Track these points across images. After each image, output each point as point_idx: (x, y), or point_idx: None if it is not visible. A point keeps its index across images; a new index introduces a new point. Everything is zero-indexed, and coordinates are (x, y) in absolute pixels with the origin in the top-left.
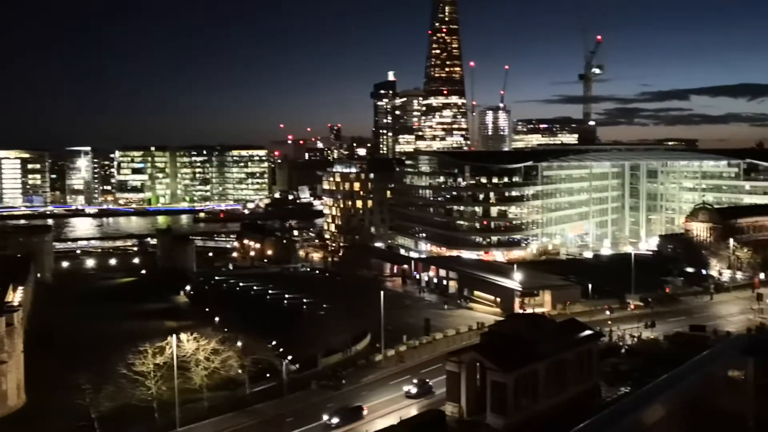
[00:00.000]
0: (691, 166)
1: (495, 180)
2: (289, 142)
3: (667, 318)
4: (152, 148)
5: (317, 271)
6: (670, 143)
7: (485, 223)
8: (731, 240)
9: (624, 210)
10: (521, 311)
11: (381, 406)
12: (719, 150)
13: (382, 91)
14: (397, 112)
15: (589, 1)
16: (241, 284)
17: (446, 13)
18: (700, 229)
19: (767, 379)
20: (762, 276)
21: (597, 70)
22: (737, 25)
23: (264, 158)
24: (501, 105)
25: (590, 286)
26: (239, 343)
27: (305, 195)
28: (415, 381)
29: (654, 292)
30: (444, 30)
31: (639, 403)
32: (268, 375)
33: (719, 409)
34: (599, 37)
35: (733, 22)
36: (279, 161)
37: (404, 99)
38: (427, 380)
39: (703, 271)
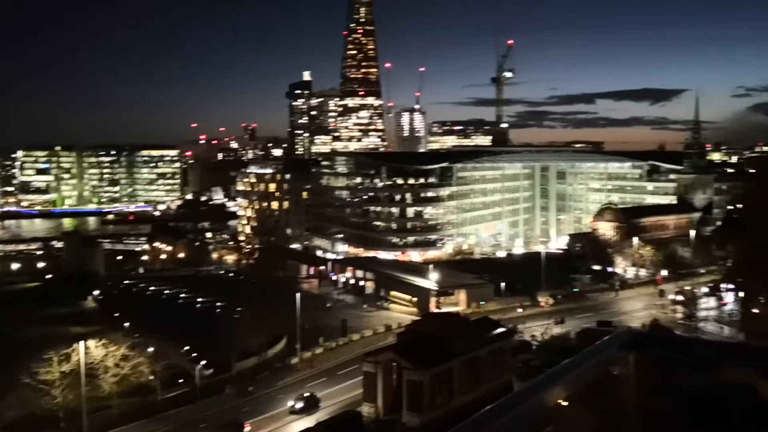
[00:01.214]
0: (597, 168)
1: (411, 181)
2: (202, 142)
3: (576, 314)
4: (57, 148)
5: (231, 274)
6: (577, 145)
7: (402, 224)
8: (635, 238)
9: (535, 210)
10: (437, 310)
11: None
12: (624, 152)
13: (298, 91)
14: (314, 113)
15: (501, 7)
16: (152, 288)
17: (362, 14)
18: (606, 228)
19: (646, 373)
20: (664, 273)
21: (509, 74)
22: (640, 33)
23: (175, 158)
24: (417, 106)
25: (503, 284)
26: (150, 349)
27: (219, 196)
28: (302, 394)
29: (563, 289)
30: (360, 31)
31: (534, 390)
32: (180, 380)
33: (604, 400)
34: (511, 41)
35: (636, 29)
36: (191, 162)
37: (320, 99)
38: (314, 393)
39: (609, 269)
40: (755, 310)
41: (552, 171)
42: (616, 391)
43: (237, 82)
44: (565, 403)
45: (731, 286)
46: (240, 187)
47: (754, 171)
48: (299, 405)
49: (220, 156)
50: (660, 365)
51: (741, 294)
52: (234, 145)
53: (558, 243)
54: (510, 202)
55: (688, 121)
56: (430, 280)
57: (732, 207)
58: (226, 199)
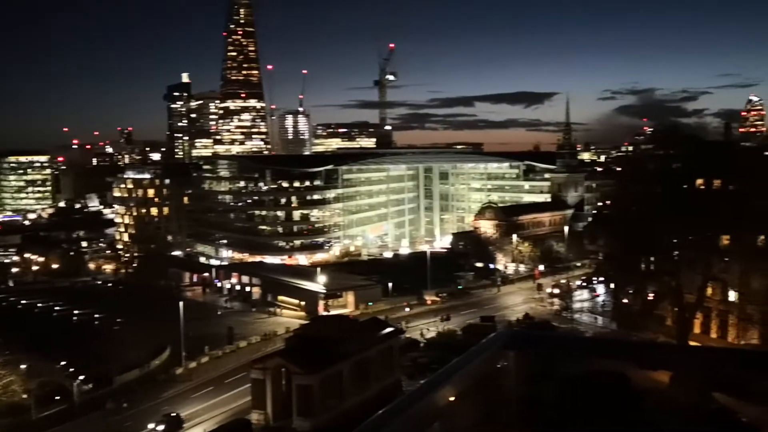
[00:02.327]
0: (478, 168)
1: (297, 184)
2: (75, 146)
3: (461, 311)
4: None
5: (110, 284)
6: (458, 147)
7: (288, 227)
8: (514, 235)
9: (420, 210)
10: (325, 313)
11: None
12: (502, 153)
13: (176, 94)
14: (193, 115)
15: (382, 11)
16: (23, 301)
17: (242, 15)
18: (487, 227)
19: (526, 367)
20: (541, 268)
21: (391, 77)
22: (514, 38)
23: (46, 164)
24: (300, 109)
25: (390, 284)
26: (23, 366)
27: (94, 203)
28: (164, 414)
29: (449, 287)
30: (240, 32)
31: (425, 390)
32: (57, 397)
33: (488, 395)
34: (392, 45)
35: (511, 35)
36: (63, 168)
37: (200, 102)
38: (177, 413)
39: (491, 265)
40: (624, 301)
41: (435, 172)
42: (500, 386)
43: (111, 84)
44: (452, 399)
45: (602, 278)
46: (117, 193)
47: (620, 169)
48: (160, 428)
49: (94, 161)
50: (538, 359)
51: (611, 285)
52: (109, 149)
53: (442, 242)
54: (395, 203)
55: (560, 122)
56: (318, 284)
57: (601, 203)
58: (102, 207)
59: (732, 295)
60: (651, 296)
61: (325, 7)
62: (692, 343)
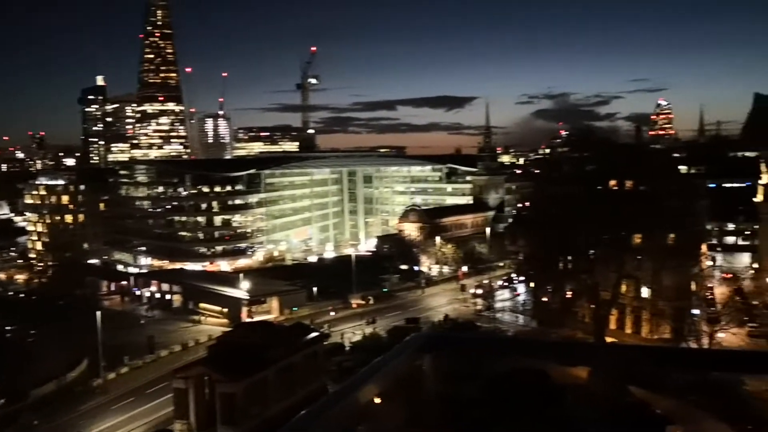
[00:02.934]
0: (401, 171)
1: (218, 189)
2: None
3: (386, 313)
4: None
5: (23, 294)
6: (382, 150)
7: (209, 233)
8: (438, 237)
9: (344, 214)
10: (249, 320)
11: None
12: (425, 156)
13: (91, 97)
14: (109, 119)
15: (304, 14)
16: None
17: (159, 17)
18: (411, 229)
19: (446, 366)
20: (465, 269)
21: (313, 80)
22: (435, 43)
23: None
24: (221, 112)
25: (315, 289)
26: None
27: (4, 211)
28: None
29: (374, 290)
30: (157, 34)
31: (346, 391)
32: None
33: (410, 395)
34: (314, 48)
35: (432, 39)
36: None
37: (116, 105)
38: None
39: (416, 268)
40: (544, 299)
41: (359, 175)
42: (418, 388)
43: (22, 87)
44: (377, 401)
45: (523, 278)
46: (28, 200)
47: (538, 171)
48: None
49: (3, 167)
50: (454, 360)
51: (531, 285)
52: (20, 155)
53: (367, 245)
54: (319, 207)
55: (481, 126)
56: (241, 290)
57: (521, 205)
58: (13, 214)
59: (645, 292)
60: (569, 294)
61: (246, 9)
62: (608, 339)
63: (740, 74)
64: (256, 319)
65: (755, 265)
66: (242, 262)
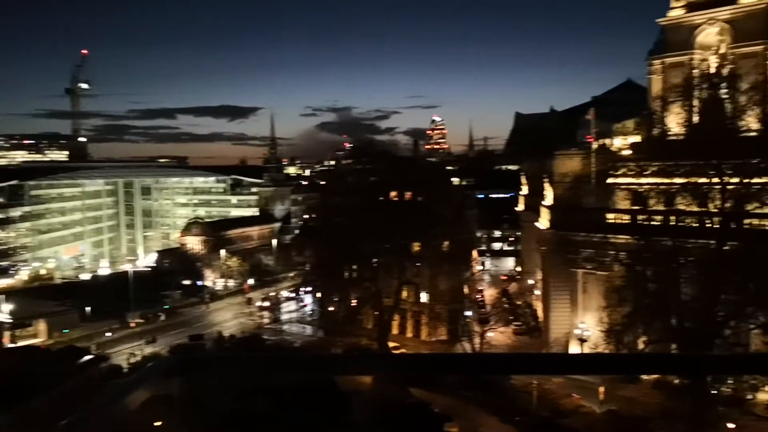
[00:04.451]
0: (183, 183)
1: None
2: None
3: (168, 331)
4: None
5: None
6: (162, 160)
7: None
8: (222, 251)
9: (120, 228)
10: (12, 345)
11: None
12: (208, 167)
13: None
14: None
15: (76, 15)
16: None
17: None
18: (195, 243)
19: (190, 397)
20: (251, 282)
21: (84, 85)
22: (218, 52)
23: None
24: None
25: (89, 308)
26: None
27: None
28: None
29: (155, 307)
30: None
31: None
32: None
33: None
34: (85, 51)
35: (213, 47)
36: None
37: None
38: None
39: (200, 282)
40: (331, 308)
41: (137, 187)
42: (171, 413)
43: None
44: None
45: (309, 288)
46: None
47: (323, 182)
48: None
49: None
50: (218, 378)
51: (318, 295)
52: None
53: (146, 260)
54: (93, 221)
55: (266, 137)
56: (2, 312)
57: (307, 216)
58: None
59: (424, 297)
60: (354, 302)
61: (8, 10)
62: (391, 344)
63: (505, 94)
64: (21, 344)
65: (518, 269)
66: (4, 282)
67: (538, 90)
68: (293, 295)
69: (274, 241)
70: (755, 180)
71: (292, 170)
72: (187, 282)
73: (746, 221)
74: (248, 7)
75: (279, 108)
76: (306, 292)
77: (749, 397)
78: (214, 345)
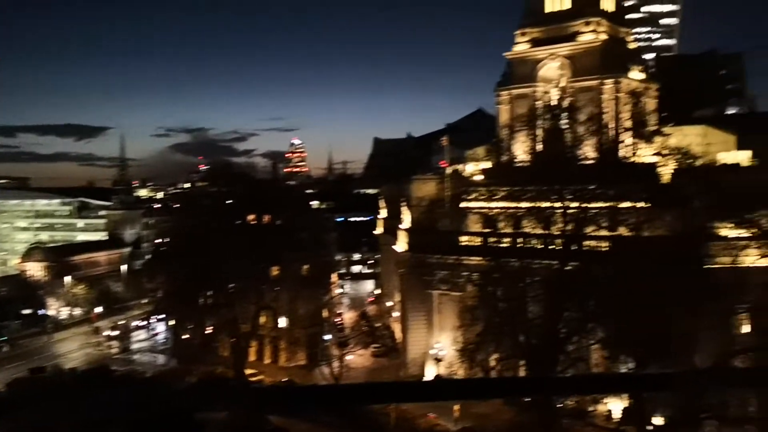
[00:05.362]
0: (24, 205)
1: None
2: None
3: (6, 365)
4: None
5: None
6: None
7: None
8: (67, 277)
9: None
10: None
11: None
12: (52, 189)
13: None
14: None
15: None
16: None
17: None
18: (36, 269)
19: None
20: (99, 310)
21: None
22: (61, 68)
23: None
24: None
25: None
26: None
27: None
28: None
29: None
30: None
31: None
32: None
33: None
34: None
35: (59, 64)
36: None
37: None
38: None
39: (42, 311)
40: (185, 336)
41: None
42: None
43: None
44: None
45: (162, 315)
46: None
47: (177, 205)
48: None
49: None
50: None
51: (171, 322)
52: None
53: None
54: None
55: (115, 158)
56: None
57: (160, 240)
58: None
59: (282, 321)
60: (210, 329)
61: None
62: (248, 371)
63: (364, 119)
64: None
65: (377, 291)
66: None
67: (397, 116)
68: (144, 323)
69: (124, 267)
70: (592, 204)
71: (143, 192)
72: (27, 311)
73: (585, 243)
74: (100, 22)
75: (130, 127)
76: (158, 320)
77: (590, 408)
78: (55, 378)
